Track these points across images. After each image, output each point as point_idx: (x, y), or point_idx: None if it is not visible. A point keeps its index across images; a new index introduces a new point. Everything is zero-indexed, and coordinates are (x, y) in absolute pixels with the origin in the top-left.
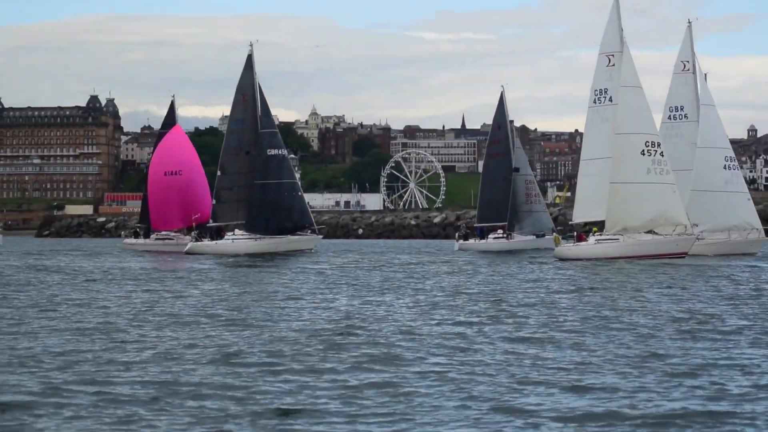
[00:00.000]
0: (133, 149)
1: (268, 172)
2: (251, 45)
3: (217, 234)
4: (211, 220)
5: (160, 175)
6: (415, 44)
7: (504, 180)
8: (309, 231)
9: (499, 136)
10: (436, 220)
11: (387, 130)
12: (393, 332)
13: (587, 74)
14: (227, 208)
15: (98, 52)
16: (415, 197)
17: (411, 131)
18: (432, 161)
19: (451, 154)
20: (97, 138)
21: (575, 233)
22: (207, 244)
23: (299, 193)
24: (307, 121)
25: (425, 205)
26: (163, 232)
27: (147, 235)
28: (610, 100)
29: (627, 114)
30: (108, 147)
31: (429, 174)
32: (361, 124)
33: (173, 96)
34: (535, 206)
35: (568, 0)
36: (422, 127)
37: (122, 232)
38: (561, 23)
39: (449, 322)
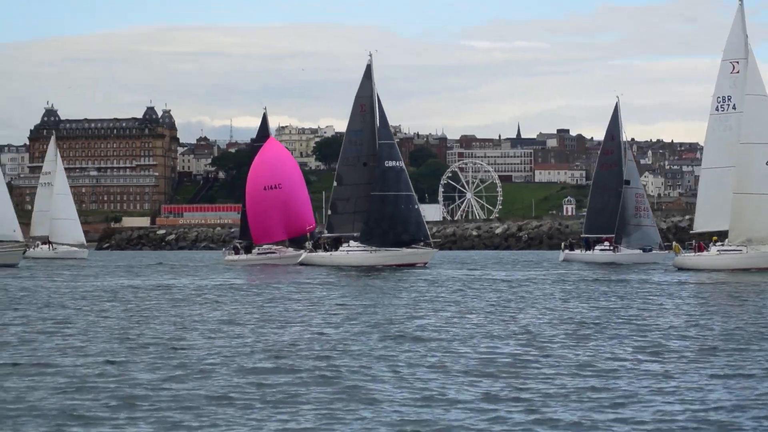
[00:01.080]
0: (189, 160)
1: (386, 184)
2: (370, 55)
3: (334, 245)
4: (326, 231)
5: (259, 190)
6: (468, 53)
7: (614, 192)
8: (424, 244)
9: (612, 147)
10: (498, 230)
11: (443, 139)
12: None
13: (640, 82)
14: (343, 219)
15: (149, 63)
16: (472, 207)
17: (467, 141)
18: (489, 171)
19: (508, 164)
20: (154, 149)
21: (695, 243)
22: (321, 255)
23: (416, 206)
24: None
25: (482, 216)
26: (265, 246)
27: (248, 250)
28: (734, 108)
29: (752, 123)
30: (164, 158)
31: (486, 184)
32: (417, 134)
33: (265, 108)
34: (643, 220)
35: (619, 8)
36: (477, 136)
37: (223, 249)
38: (612, 31)
39: None
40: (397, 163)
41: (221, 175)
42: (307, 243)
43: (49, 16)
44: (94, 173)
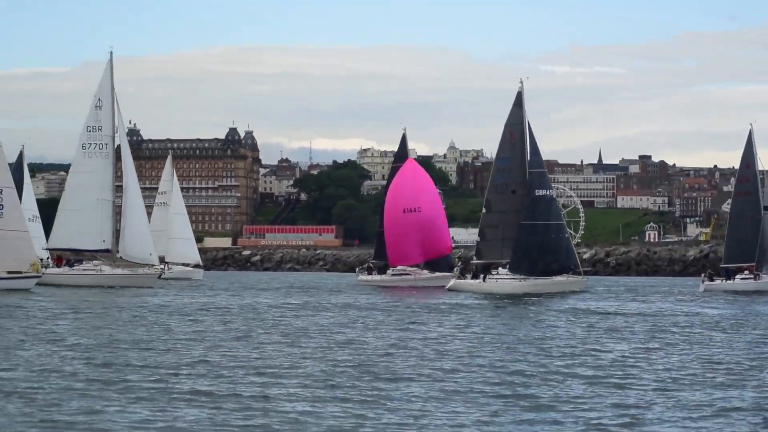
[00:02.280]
0: (271, 182)
1: (536, 213)
2: (521, 82)
3: (484, 271)
4: (475, 257)
5: (399, 213)
6: (547, 77)
7: (752, 219)
8: (573, 273)
9: (748, 175)
10: (586, 255)
11: None
12: None
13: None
14: (492, 246)
15: (227, 83)
16: None
17: (549, 166)
18: (572, 196)
19: (590, 189)
20: (236, 170)
21: None
22: (470, 282)
23: (566, 235)
24: (445, 155)
25: None
26: (399, 268)
27: (381, 271)
28: None
29: None
30: (246, 179)
31: (568, 209)
32: None
33: (404, 129)
34: None
35: (699, 34)
36: (559, 161)
37: (357, 269)
38: (692, 57)
39: None
40: (548, 192)
41: (303, 196)
42: (456, 269)
43: (128, 36)
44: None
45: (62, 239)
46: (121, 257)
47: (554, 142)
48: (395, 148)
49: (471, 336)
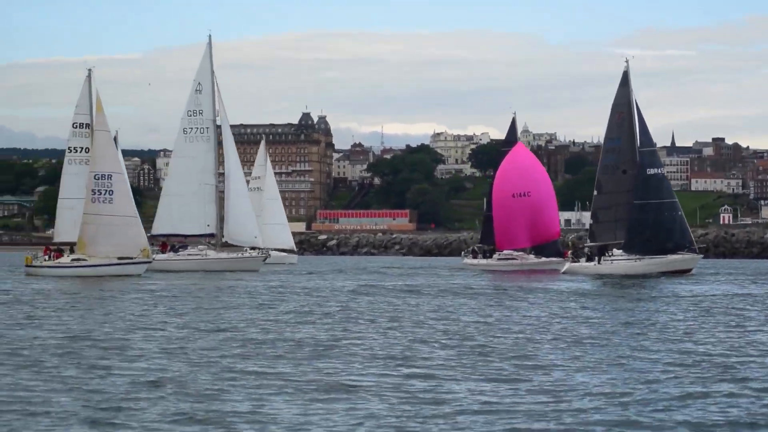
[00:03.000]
0: (344, 166)
1: (648, 192)
2: (627, 61)
3: (600, 254)
4: (588, 240)
5: (507, 197)
6: (615, 61)
7: None
8: (688, 250)
9: None
10: None
11: (599, 147)
12: None
13: None
14: (605, 228)
15: (298, 69)
16: None
17: None
18: None
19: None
20: (310, 155)
21: None
22: (586, 265)
23: (679, 213)
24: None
25: None
26: (506, 252)
27: (486, 255)
28: None
29: None
30: (320, 164)
31: None
32: (573, 142)
33: (514, 113)
34: None
35: None
36: None
37: (462, 252)
38: (764, 41)
39: None
40: (659, 170)
41: (376, 181)
42: (569, 252)
43: (198, 22)
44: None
45: (165, 225)
46: (225, 241)
47: None
48: (467, 132)
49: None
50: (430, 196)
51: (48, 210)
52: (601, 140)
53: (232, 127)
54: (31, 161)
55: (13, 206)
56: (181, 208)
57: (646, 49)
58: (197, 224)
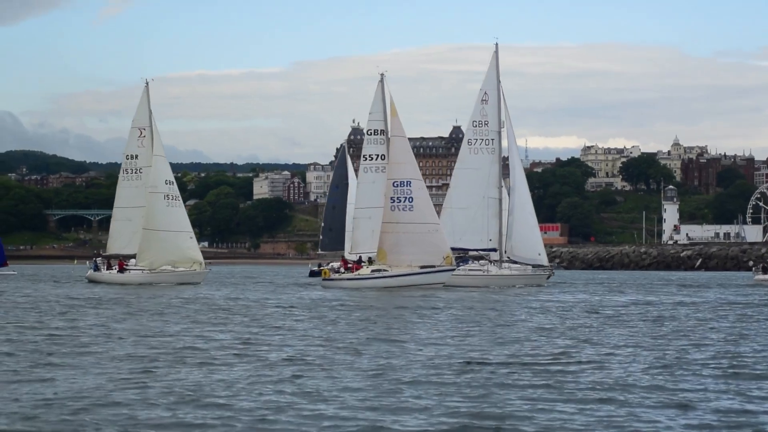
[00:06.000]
0: None
1: None
2: None
3: None
4: None
5: None
6: (759, 73)
7: None
8: None
9: None
10: None
11: (750, 160)
12: None
13: None
14: None
15: (440, 81)
16: None
17: None
18: None
19: None
20: None
21: None
22: None
23: None
24: (669, 152)
25: None
26: None
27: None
28: None
29: None
30: None
31: None
32: (724, 155)
33: None
34: None
35: None
36: None
37: (752, 267)
38: None
39: None
40: None
41: None
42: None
43: (342, 35)
44: None
45: (447, 237)
46: (508, 257)
47: (764, 138)
48: (616, 146)
49: None
50: (580, 210)
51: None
52: (753, 153)
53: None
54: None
55: None
56: (465, 221)
57: None
58: (480, 238)
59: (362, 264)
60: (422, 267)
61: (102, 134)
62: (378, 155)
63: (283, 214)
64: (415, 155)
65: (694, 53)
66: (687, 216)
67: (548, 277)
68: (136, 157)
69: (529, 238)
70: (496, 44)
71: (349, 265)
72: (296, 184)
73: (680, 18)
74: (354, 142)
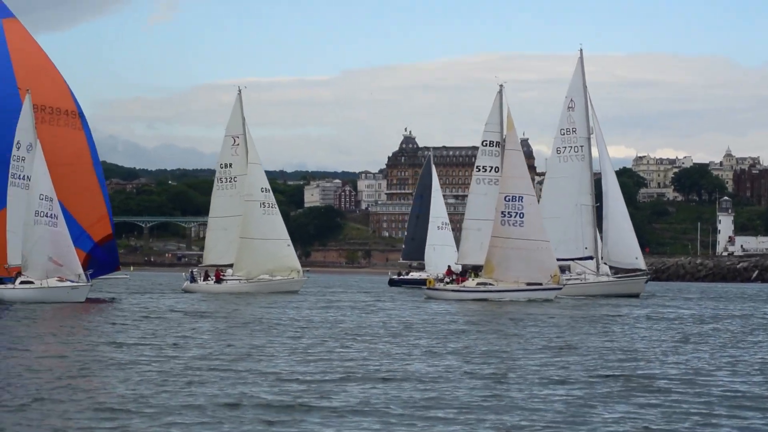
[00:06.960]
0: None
1: None
2: None
3: None
4: None
5: None
6: None
7: None
8: None
9: None
10: None
11: None
12: None
13: None
14: None
15: (491, 90)
16: None
17: None
18: None
19: None
20: None
21: None
22: None
23: None
24: (721, 163)
25: None
26: None
27: None
28: None
29: None
30: None
31: None
32: None
33: None
34: None
35: None
36: None
37: None
38: None
39: None
40: None
41: None
42: None
43: (392, 43)
44: (451, 201)
45: None
46: (605, 263)
47: None
48: (665, 156)
49: None
50: (633, 221)
51: None
52: None
53: (435, 149)
54: None
55: None
56: (558, 231)
57: None
58: (575, 247)
59: (468, 276)
60: (528, 284)
61: (150, 141)
62: (492, 167)
63: (334, 222)
64: (466, 164)
65: (745, 63)
66: (739, 227)
67: (646, 282)
68: (230, 165)
69: (625, 242)
70: (581, 50)
71: (454, 277)
72: (347, 192)
73: (731, 28)
74: (406, 151)
